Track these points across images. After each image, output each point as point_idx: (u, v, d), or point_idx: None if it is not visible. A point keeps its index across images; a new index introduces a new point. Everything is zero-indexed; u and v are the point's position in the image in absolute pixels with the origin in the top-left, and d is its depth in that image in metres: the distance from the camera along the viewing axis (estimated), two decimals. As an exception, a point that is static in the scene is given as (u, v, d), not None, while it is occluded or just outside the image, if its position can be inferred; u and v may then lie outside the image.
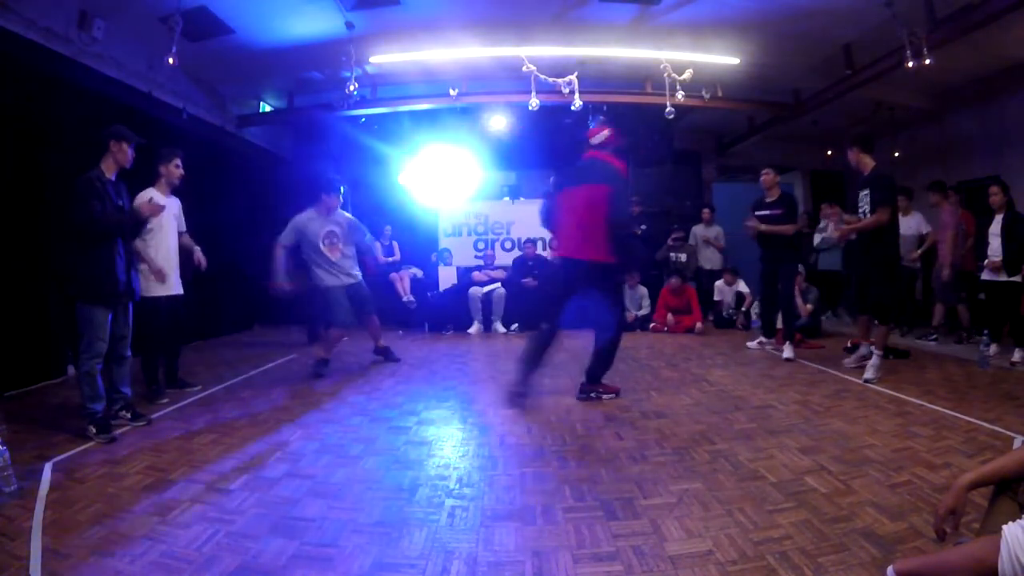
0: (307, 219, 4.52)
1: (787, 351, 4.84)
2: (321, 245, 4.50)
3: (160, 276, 3.69)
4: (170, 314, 3.83)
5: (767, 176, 5.13)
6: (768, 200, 5.07)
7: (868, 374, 3.95)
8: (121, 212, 3.11)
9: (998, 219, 4.73)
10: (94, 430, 2.87)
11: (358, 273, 4.76)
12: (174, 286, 3.84)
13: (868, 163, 4.22)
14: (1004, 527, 1.10)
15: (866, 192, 4.15)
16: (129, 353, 3.24)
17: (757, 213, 5.08)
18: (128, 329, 3.20)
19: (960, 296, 5.48)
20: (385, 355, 5.05)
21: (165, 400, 3.67)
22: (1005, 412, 3.02)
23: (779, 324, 5.99)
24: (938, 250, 5.57)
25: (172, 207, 3.85)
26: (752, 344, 5.39)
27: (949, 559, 1.21)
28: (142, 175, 3.91)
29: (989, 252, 4.78)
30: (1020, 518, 1.14)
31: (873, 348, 4.09)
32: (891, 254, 4.13)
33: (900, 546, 1.71)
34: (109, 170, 3.09)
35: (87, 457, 2.64)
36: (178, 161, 3.83)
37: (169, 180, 3.82)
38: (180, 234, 3.96)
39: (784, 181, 10.30)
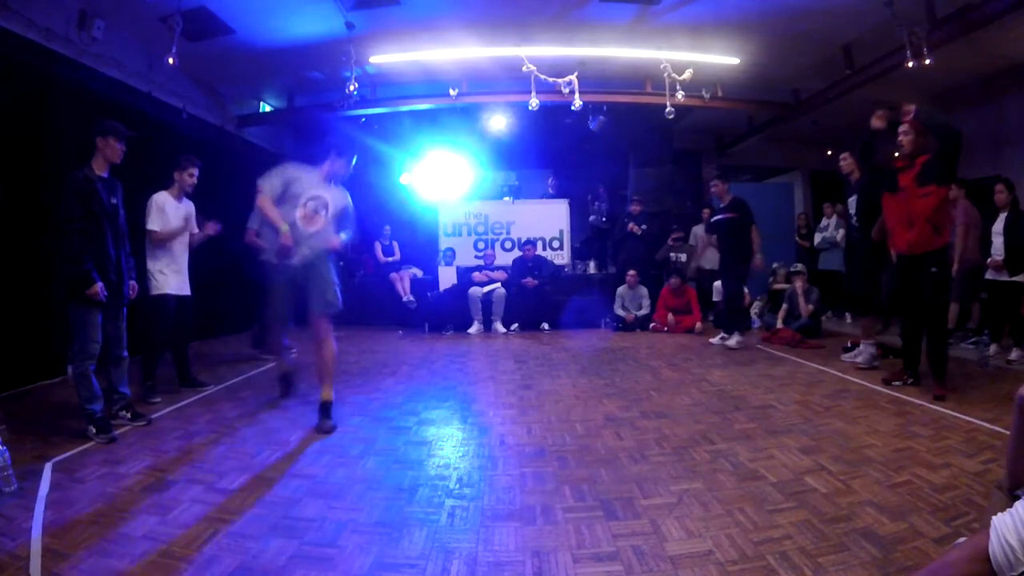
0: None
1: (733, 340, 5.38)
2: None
3: (160, 276, 3.74)
4: (178, 314, 3.88)
5: (717, 187, 5.69)
6: (723, 205, 5.61)
7: (861, 358, 4.36)
8: (114, 211, 3.11)
9: (1002, 217, 4.69)
10: (94, 430, 2.87)
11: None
12: (183, 287, 3.91)
13: (856, 171, 4.52)
14: (993, 518, 1.17)
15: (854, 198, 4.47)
16: (126, 353, 3.23)
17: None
18: (123, 330, 3.19)
19: (978, 295, 5.32)
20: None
21: (158, 400, 3.66)
22: (1005, 412, 3.00)
23: (779, 323, 6.06)
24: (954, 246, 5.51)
25: (184, 211, 3.95)
26: (714, 340, 5.61)
27: (948, 557, 1.27)
28: (148, 174, 3.96)
29: (992, 251, 4.76)
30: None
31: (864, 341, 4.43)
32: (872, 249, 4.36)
33: (900, 546, 1.71)
34: (99, 168, 3.06)
35: (87, 457, 2.64)
36: (193, 171, 3.94)
37: (182, 187, 3.93)
38: (191, 235, 4.03)
39: (784, 181, 10.39)
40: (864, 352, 4.37)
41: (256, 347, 5.34)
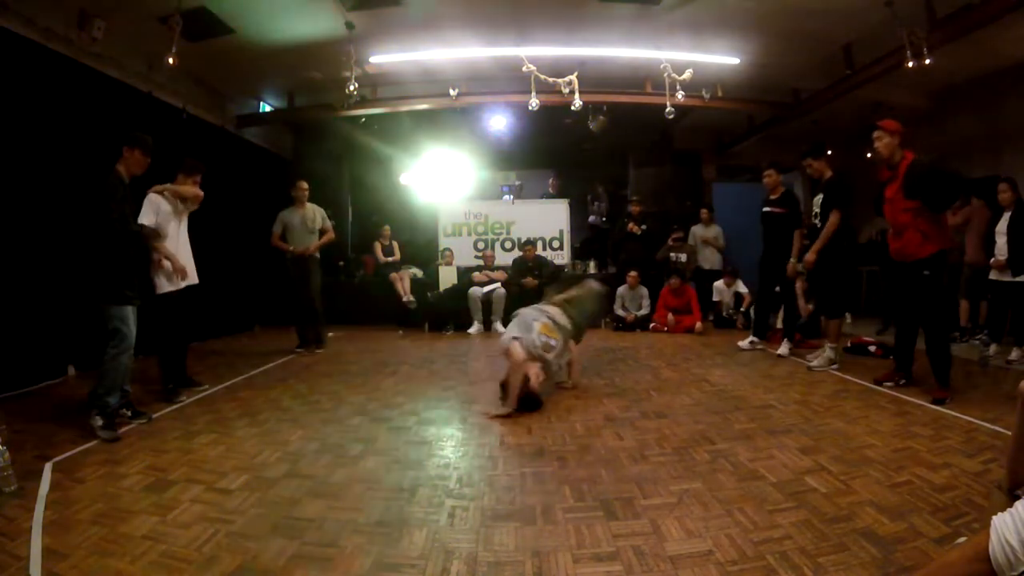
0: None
1: (783, 348, 5.00)
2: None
3: (183, 273, 3.75)
4: (187, 305, 3.88)
5: (770, 177, 5.19)
6: (772, 198, 5.16)
7: (816, 362, 4.37)
8: (134, 214, 3.22)
9: (1006, 217, 4.64)
10: (101, 421, 2.88)
11: None
12: (191, 277, 3.92)
13: (826, 171, 4.43)
14: (993, 518, 1.17)
15: (819, 197, 4.41)
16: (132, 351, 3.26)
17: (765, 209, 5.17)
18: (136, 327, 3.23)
19: (986, 295, 5.26)
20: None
21: (184, 399, 3.67)
22: (1005, 412, 3.02)
23: (779, 324, 6.02)
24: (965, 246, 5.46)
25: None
26: (744, 344, 5.34)
27: (948, 558, 1.26)
28: (148, 175, 3.94)
29: (995, 251, 4.72)
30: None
31: (828, 343, 4.42)
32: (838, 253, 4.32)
33: (900, 546, 1.71)
34: (123, 173, 3.16)
35: (87, 457, 2.64)
36: (198, 178, 3.90)
37: (179, 193, 3.89)
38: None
39: (784, 181, 10.37)
40: (825, 355, 4.38)
41: (303, 344, 5.66)
